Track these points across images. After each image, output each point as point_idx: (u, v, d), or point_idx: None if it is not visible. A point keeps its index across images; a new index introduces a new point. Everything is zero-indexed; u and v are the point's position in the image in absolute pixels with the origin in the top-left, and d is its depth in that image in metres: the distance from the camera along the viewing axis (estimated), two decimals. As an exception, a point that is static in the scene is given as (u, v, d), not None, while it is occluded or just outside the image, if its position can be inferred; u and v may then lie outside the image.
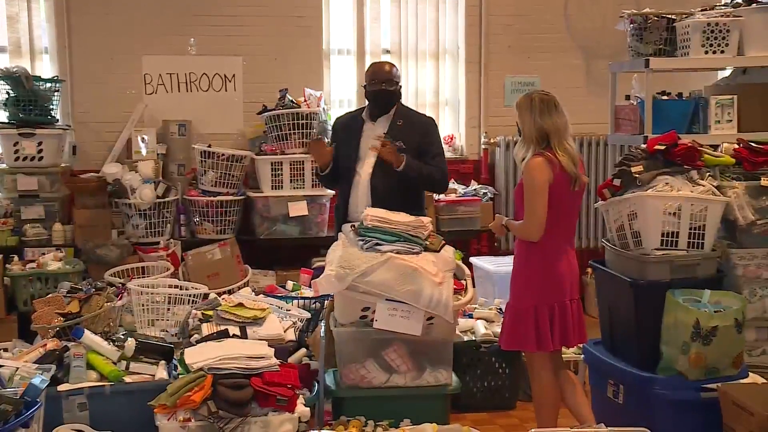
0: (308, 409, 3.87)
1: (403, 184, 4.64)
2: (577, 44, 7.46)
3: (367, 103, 4.93)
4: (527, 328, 4.03)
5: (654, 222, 4.22)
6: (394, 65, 4.97)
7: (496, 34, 7.37)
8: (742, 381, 4.11)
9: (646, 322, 4.17)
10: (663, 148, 4.40)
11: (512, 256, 6.00)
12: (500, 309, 5.40)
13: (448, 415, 4.29)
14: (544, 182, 3.93)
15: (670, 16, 5.87)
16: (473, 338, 5.06)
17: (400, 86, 4.87)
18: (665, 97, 6.00)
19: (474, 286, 4.62)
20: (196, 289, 5.19)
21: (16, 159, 6.20)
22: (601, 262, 4.57)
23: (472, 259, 6.20)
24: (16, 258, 5.96)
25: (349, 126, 4.92)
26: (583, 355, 4.71)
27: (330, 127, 6.41)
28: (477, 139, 7.41)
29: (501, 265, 6.01)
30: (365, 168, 4.73)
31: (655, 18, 5.87)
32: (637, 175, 4.33)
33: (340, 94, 7.20)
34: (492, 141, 7.31)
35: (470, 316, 5.30)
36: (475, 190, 7.03)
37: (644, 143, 4.77)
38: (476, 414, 4.90)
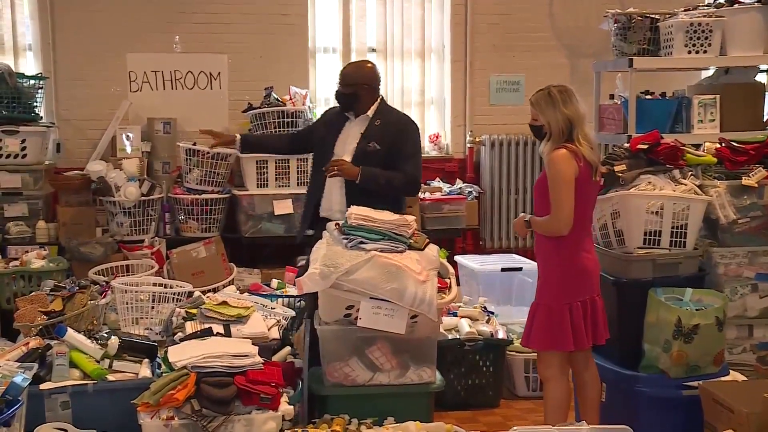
0: (292, 407, 3.86)
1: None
2: (562, 43, 7.48)
3: None
4: (564, 327, 3.94)
5: (637, 221, 4.25)
6: (363, 66, 4.96)
7: (481, 33, 7.38)
8: (723, 379, 4.15)
9: (628, 320, 4.20)
10: (646, 147, 4.43)
11: (497, 255, 6.11)
12: (484, 307, 5.43)
13: (432, 413, 4.28)
14: (571, 174, 3.86)
15: (653, 15, 5.91)
16: (457, 336, 5.05)
17: (366, 86, 4.77)
18: (649, 97, 6.04)
19: (458, 285, 4.63)
20: (181, 287, 5.17)
21: (0, 156, 6.17)
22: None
23: (457, 258, 6.19)
24: (-2, 256, 5.93)
25: (332, 122, 4.93)
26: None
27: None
28: (462, 138, 7.41)
29: (485, 264, 6.01)
30: None
31: (639, 18, 5.91)
32: (620, 174, 4.35)
33: (325, 92, 7.19)
34: (477, 139, 7.32)
35: (455, 315, 5.30)
36: (460, 188, 7.03)
37: (627, 142, 4.79)
38: (460, 412, 4.90)
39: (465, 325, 5.14)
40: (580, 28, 7.41)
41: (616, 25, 5.99)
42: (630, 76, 5.81)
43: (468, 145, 7.38)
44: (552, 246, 4.00)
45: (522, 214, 4.22)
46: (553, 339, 3.99)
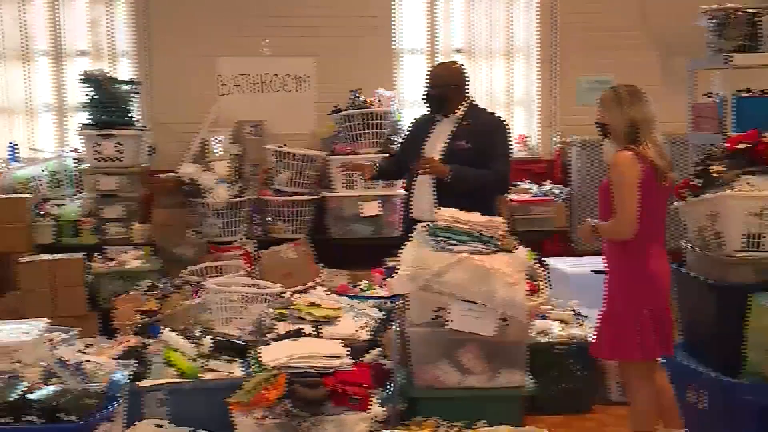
0: (382, 408, 3.86)
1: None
2: (653, 41, 7.30)
3: None
4: (630, 336, 3.85)
5: (736, 223, 4.10)
6: (450, 67, 4.95)
7: (569, 32, 7.27)
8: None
9: (728, 325, 4.04)
10: (745, 146, 4.27)
11: (587, 258, 5.98)
12: (576, 311, 5.34)
13: (523, 417, 4.20)
14: (634, 177, 3.77)
15: (753, 10, 5.70)
16: (549, 340, 4.98)
17: (454, 87, 4.77)
18: (748, 95, 5.82)
19: (548, 287, 4.55)
20: (271, 288, 5.22)
21: (97, 159, 6.35)
22: (680, 264, 4.45)
23: (547, 260, 6.10)
24: (97, 256, 6.10)
25: (421, 125, 4.95)
26: (662, 359, 4.59)
27: (401, 128, 6.46)
28: (550, 139, 7.32)
29: (576, 266, 5.90)
30: None
31: (738, 13, 5.70)
32: (718, 175, 4.21)
33: (411, 93, 7.18)
34: (565, 140, 7.21)
35: (545, 318, 5.21)
36: (548, 190, 6.95)
37: (724, 142, 4.63)
38: (552, 416, 4.80)
39: (556, 329, 5.07)
40: (672, 25, 7.21)
41: (712, 21, 5.81)
42: (727, 73, 5.62)
43: (556, 145, 7.28)
44: (618, 251, 3.92)
45: (588, 219, 4.13)
46: (619, 349, 3.92)
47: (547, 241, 7.00)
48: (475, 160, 4.65)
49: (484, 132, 4.72)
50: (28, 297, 5.65)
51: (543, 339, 4.99)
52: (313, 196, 6.58)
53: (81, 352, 4.21)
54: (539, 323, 5.09)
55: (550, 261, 6.12)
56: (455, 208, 4.28)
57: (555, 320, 5.19)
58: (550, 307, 5.33)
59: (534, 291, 4.17)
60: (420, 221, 4.59)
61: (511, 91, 7.41)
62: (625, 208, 3.78)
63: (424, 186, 4.74)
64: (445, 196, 4.59)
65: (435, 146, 4.76)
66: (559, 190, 6.97)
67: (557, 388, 4.95)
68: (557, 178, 7.22)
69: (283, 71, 7.05)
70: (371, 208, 6.47)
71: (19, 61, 6.86)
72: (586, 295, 5.61)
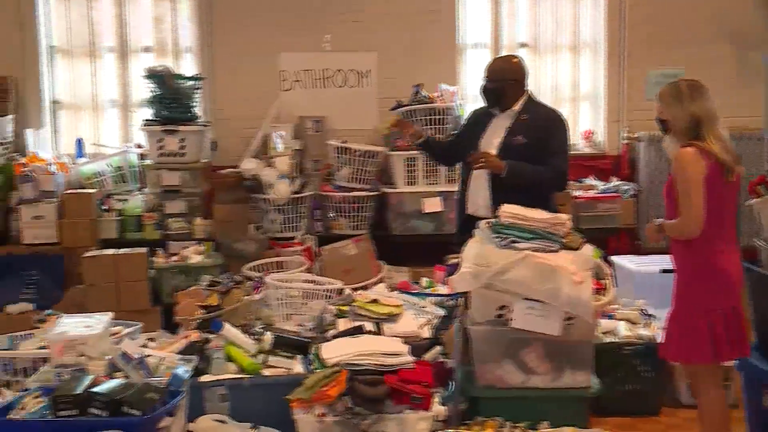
0: (444, 408, 3.82)
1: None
2: (726, 34, 7.08)
3: None
4: (701, 338, 3.75)
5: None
6: (509, 61, 4.90)
7: (638, 25, 7.11)
8: None
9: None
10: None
11: (655, 256, 5.83)
12: (643, 310, 5.23)
13: (588, 418, 4.14)
14: (699, 173, 3.67)
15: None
16: (615, 340, 4.89)
17: (512, 82, 4.71)
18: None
19: (614, 286, 4.45)
20: (331, 284, 5.19)
21: (160, 155, 6.41)
22: (754, 262, 4.29)
23: (613, 258, 5.98)
24: (160, 251, 6.16)
25: (479, 118, 4.91)
26: (736, 363, 4.44)
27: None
28: (617, 134, 7.19)
29: (643, 265, 5.77)
30: None
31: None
32: (797, 171, 4.06)
33: (475, 88, 7.07)
34: (633, 135, 7.07)
35: (611, 317, 5.12)
36: (615, 186, 6.84)
37: (803, 137, 4.46)
38: (618, 418, 4.72)
39: (622, 329, 4.97)
40: (747, 17, 6.99)
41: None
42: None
43: (623, 141, 7.15)
44: (684, 249, 3.82)
45: (654, 219, 4.03)
46: (688, 351, 3.81)
47: (613, 238, 6.89)
48: (532, 155, 4.58)
49: (542, 127, 4.66)
50: (93, 291, 5.74)
51: (609, 339, 4.91)
52: (374, 192, 6.56)
53: (144, 346, 4.25)
54: (605, 323, 5.01)
55: (616, 259, 6.02)
56: (510, 204, 4.23)
57: (621, 320, 5.11)
58: (617, 306, 5.27)
59: (600, 290, 4.10)
60: (475, 217, 4.58)
61: (577, 86, 7.31)
62: (690, 205, 3.69)
63: (480, 181, 4.70)
64: (500, 191, 4.54)
65: (491, 141, 4.71)
66: (626, 187, 6.86)
67: (624, 389, 4.86)
68: (624, 175, 7.09)
69: (344, 66, 7.03)
70: (433, 205, 6.42)
71: (86, 58, 6.99)
72: (654, 294, 5.50)
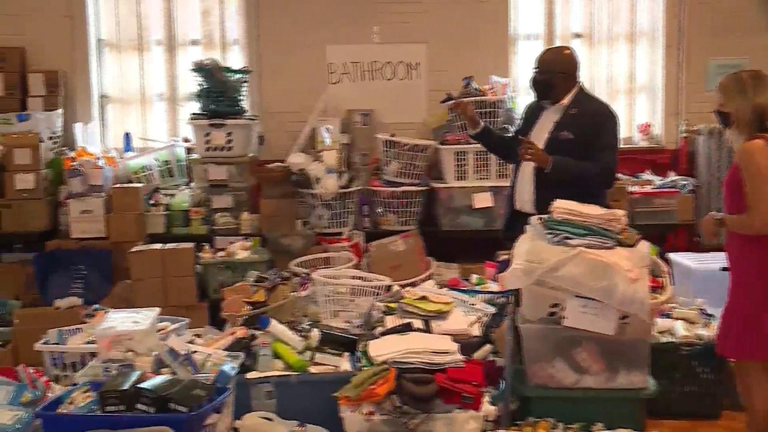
0: (494, 407, 3.78)
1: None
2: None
3: None
4: (752, 334, 3.67)
5: None
6: (560, 53, 4.82)
7: (698, 13, 6.93)
8: None
9: None
10: None
11: (714, 253, 5.67)
12: (702, 310, 5.11)
13: (644, 420, 4.05)
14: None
15: None
16: (672, 340, 4.78)
17: (562, 74, 4.64)
18: None
19: (672, 284, 4.33)
20: (379, 281, 5.16)
21: (207, 149, 6.40)
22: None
23: (670, 255, 5.85)
24: (207, 246, 6.15)
25: (532, 111, 4.88)
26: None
27: (516, 116, 6.31)
28: (675, 127, 7.04)
29: (702, 262, 5.65)
30: None
31: None
32: None
33: (527, 81, 6.96)
34: (692, 128, 6.92)
35: (668, 316, 5.02)
36: (672, 181, 6.71)
37: None
38: (675, 421, 4.64)
39: (680, 328, 4.86)
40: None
41: None
42: None
43: (682, 134, 7.00)
44: (748, 246, 3.70)
45: (711, 213, 3.92)
46: (748, 348, 3.71)
47: (671, 235, 6.77)
48: (579, 151, 4.53)
49: (590, 122, 4.58)
50: (140, 286, 5.77)
51: (666, 339, 4.81)
52: (423, 187, 6.49)
53: (190, 342, 4.27)
54: (662, 322, 4.92)
55: (674, 256, 5.92)
56: (554, 198, 4.17)
57: (679, 319, 5.01)
58: (674, 305, 5.16)
59: (656, 288, 4.01)
60: (523, 213, 4.56)
61: (634, 78, 7.17)
62: (760, 199, 3.57)
63: (526, 177, 4.68)
64: (544, 187, 4.52)
65: (539, 136, 4.68)
66: (684, 182, 6.73)
67: (682, 391, 4.76)
68: (682, 169, 6.95)
69: (393, 58, 6.97)
70: (483, 200, 6.34)
71: (134, 52, 7.02)
72: (713, 293, 5.34)
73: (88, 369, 3.77)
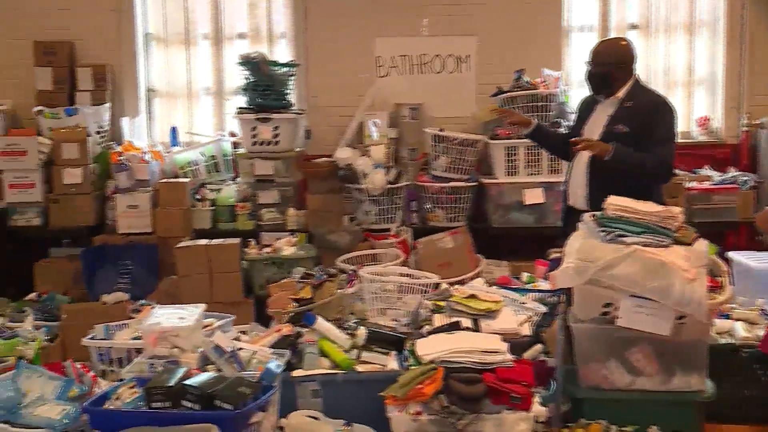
0: (545, 408, 3.73)
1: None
2: None
3: None
4: None
5: None
6: (616, 44, 4.76)
7: (762, 2, 6.74)
8: None
9: None
10: None
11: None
12: (763, 310, 4.95)
13: (702, 425, 3.95)
14: None
15: None
16: (731, 341, 4.63)
17: (619, 66, 4.56)
18: None
19: (731, 284, 4.20)
20: (428, 278, 5.13)
21: (254, 144, 6.39)
22: None
23: (730, 254, 5.70)
24: (253, 242, 6.13)
25: (586, 105, 4.83)
26: None
27: (568, 110, 6.22)
28: (736, 121, 6.89)
29: (764, 261, 5.52)
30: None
31: None
32: None
33: (581, 74, 6.84)
34: (755, 122, 6.76)
35: (727, 317, 4.87)
36: (733, 177, 6.57)
37: None
38: (735, 426, 4.50)
39: (740, 329, 4.71)
40: None
41: None
42: None
43: (743, 128, 6.84)
44: None
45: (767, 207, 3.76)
46: None
47: (731, 233, 6.61)
48: (635, 145, 4.47)
49: (646, 115, 4.51)
50: (186, 282, 5.76)
51: (725, 340, 4.67)
52: (472, 183, 6.44)
53: (236, 339, 4.25)
54: (720, 323, 4.78)
55: (734, 255, 5.76)
56: (607, 195, 4.06)
57: (739, 320, 4.86)
58: (734, 305, 5.01)
59: (715, 288, 3.90)
60: (576, 209, 4.53)
61: (692, 69, 7.04)
62: None
63: (579, 172, 4.64)
64: (597, 183, 4.48)
65: (594, 130, 4.63)
66: (745, 178, 6.58)
67: (742, 395, 4.61)
68: (743, 165, 6.81)
69: (443, 51, 6.90)
70: (534, 196, 6.28)
71: (181, 45, 7.04)
72: (775, 293, 5.22)
73: (134, 365, 3.79)
